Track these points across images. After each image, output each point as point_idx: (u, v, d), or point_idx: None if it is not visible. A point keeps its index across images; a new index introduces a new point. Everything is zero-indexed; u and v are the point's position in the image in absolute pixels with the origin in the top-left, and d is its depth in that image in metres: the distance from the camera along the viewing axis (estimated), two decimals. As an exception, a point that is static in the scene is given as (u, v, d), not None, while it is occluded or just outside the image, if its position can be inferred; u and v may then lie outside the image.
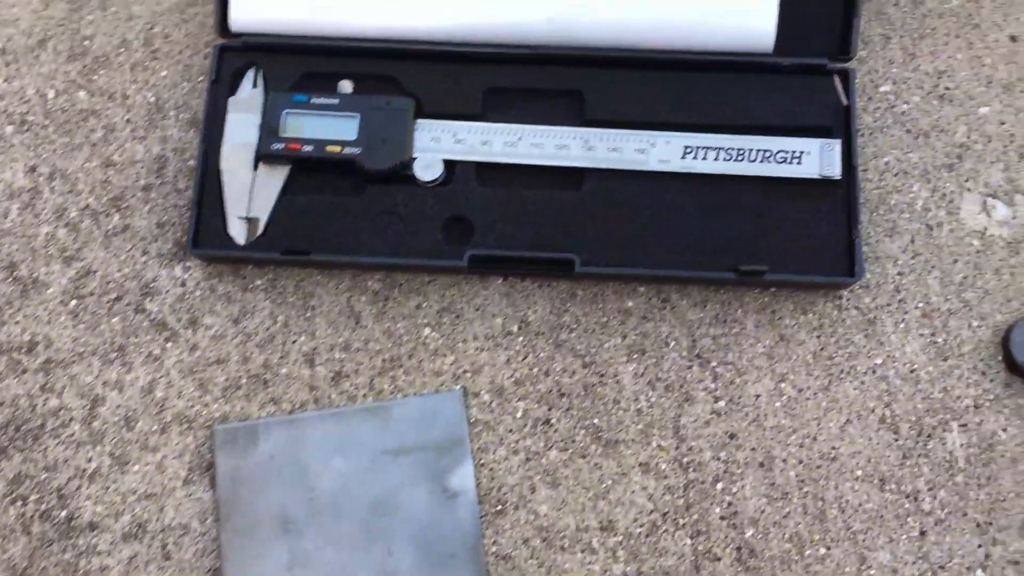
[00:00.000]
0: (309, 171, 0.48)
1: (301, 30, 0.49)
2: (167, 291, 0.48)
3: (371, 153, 0.47)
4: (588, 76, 0.49)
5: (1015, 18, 0.51)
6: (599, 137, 0.48)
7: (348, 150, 0.47)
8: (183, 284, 0.48)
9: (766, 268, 0.46)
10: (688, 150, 0.47)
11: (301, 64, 0.49)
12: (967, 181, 0.49)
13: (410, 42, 0.49)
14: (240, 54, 0.49)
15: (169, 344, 0.47)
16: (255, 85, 0.49)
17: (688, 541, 0.44)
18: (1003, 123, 0.50)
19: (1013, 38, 0.51)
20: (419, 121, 0.48)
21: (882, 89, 0.51)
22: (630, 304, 0.48)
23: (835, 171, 0.47)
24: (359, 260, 0.47)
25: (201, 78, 0.50)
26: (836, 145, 0.47)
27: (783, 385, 0.46)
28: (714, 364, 0.47)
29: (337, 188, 0.48)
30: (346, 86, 0.49)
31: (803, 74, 0.49)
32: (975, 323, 0.47)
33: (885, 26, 0.51)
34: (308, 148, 0.47)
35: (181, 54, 0.51)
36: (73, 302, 0.48)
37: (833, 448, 0.45)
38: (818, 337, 0.47)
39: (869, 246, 0.48)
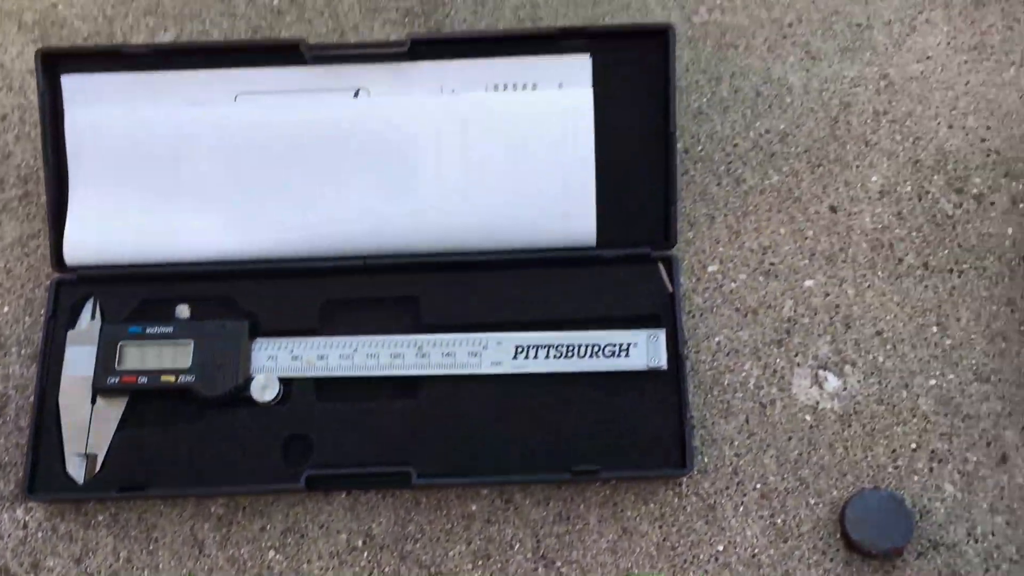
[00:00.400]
0: (147, 401, 0.49)
1: (135, 259, 0.51)
2: (9, 535, 0.49)
3: (206, 379, 0.49)
4: (422, 281, 0.52)
5: (834, 188, 0.54)
6: (432, 343, 0.50)
7: (183, 378, 0.49)
8: (25, 526, 0.49)
9: (599, 468, 0.48)
10: (519, 350, 0.50)
11: (138, 292, 0.52)
12: (797, 356, 0.51)
13: (244, 262, 0.51)
14: (77, 287, 0.51)
15: (11, 591, 0.48)
16: (93, 317, 0.51)
17: None
18: (828, 295, 0.52)
19: (833, 208, 0.54)
20: (257, 340, 0.50)
21: (710, 269, 0.53)
22: (473, 508, 0.49)
23: (661, 362, 0.49)
24: (196, 491, 0.48)
25: (43, 311, 0.52)
26: (661, 335, 0.49)
27: (628, 580, 0.48)
28: (559, 564, 0.48)
29: (175, 416, 0.49)
30: (183, 311, 0.51)
31: (628, 264, 0.51)
32: (812, 501, 0.49)
33: (710, 206, 0.54)
34: (143, 379, 0.49)
35: (23, 288, 0.53)
36: (-86, 554, 0.49)
37: (680, 643, 0.47)
38: (660, 527, 0.49)
39: (705, 429, 0.50)
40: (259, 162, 0.51)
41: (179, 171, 0.52)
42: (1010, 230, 0.53)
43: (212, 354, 0.49)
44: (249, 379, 0.49)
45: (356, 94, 0.51)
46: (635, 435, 0.49)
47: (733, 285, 0.53)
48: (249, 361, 0.49)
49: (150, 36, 0.58)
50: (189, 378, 0.49)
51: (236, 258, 0.52)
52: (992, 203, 0.53)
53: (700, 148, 0.55)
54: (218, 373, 0.49)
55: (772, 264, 0.53)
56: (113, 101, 0.52)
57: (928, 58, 0.56)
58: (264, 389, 0.49)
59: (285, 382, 0.50)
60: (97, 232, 0.52)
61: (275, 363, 0.50)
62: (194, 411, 0.49)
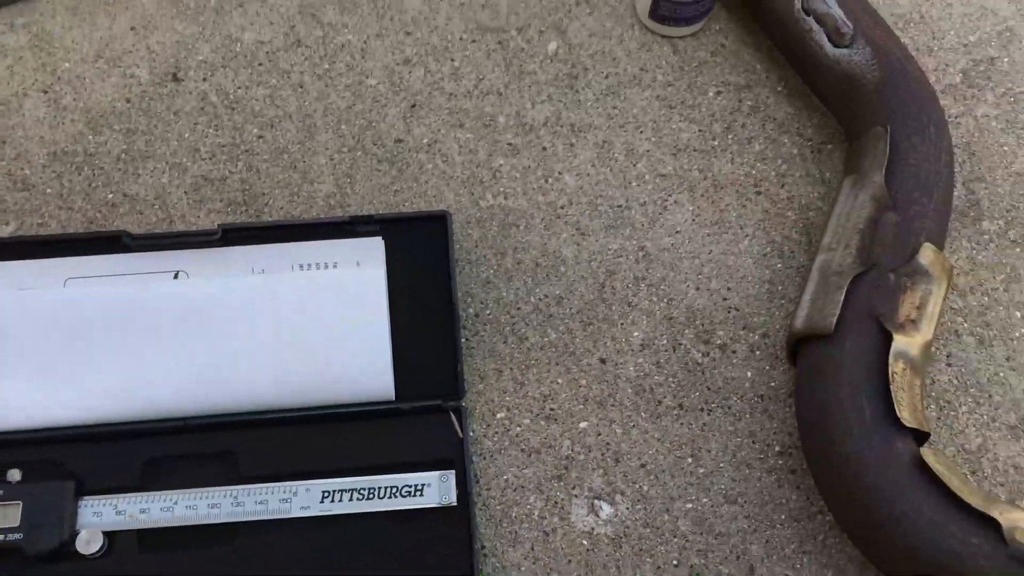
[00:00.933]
0: (-23, 561, 0.56)
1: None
2: None
3: (34, 537, 0.56)
4: (238, 438, 0.61)
5: (603, 343, 0.66)
6: (247, 493, 0.59)
7: (12, 536, 0.56)
8: None
9: (395, 598, 0.56)
10: (326, 494, 0.59)
11: (-29, 460, 0.59)
12: (574, 488, 0.62)
13: (72, 428, 0.60)
14: (-88, 458, 0.59)
15: None
16: (-72, 487, 0.58)
17: None
18: (599, 434, 0.64)
19: (602, 360, 0.66)
20: (83, 499, 0.58)
21: (498, 416, 0.64)
22: (285, 644, 0.57)
23: (452, 499, 0.59)
24: (17, 646, 0.55)
25: None
26: (451, 476, 0.59)
27: None
28: None
29: (6, 573, 0.56)
30: (14, 475, 0.58)
31: (424, 414, 0.62)
32: (588, 617, 0.58)
33: (497, 361, 0.66)
34: (-27, 540, 0.56)
35: None
36: None
37: None
38: (455, 650, 0.57)
39: (496, 556, 0.60)
40: (86, 338, 0.61)
41: (10, 348, 0.60)
42: (749, 374, 0.66)
43: (40, 513, 0.57)
44: (75, 534, 0.57)
45: (176, 276, 0.62)
46: (432, 567, 0.58)
47: (519, 429, 0.64)
48: (75, 518, 0.57)
49: (-8, 228, 0.67)
50: (17, 536, 0.56)
51: (64, 424, 0.60)
52: (734, 352, 0.66)
53: (488, 312, 0.67)
54: (45, 531, 0.56)
55: (552, 409, 0.64)
56: (-47, 287, 0.61)
57: (677, 232, 0.70)
58: (88, 543, 0.57)
59: (109, 535, 0.57)
60: (-67, 406, 0.59)
61: (100, 519, 0.57)
62: (24, 567, 0.56)
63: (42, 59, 0.73)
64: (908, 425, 0.56)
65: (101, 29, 0.74)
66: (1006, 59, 0.76)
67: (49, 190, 0.69)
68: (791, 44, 0.72)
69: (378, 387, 0.62)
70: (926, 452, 0.56)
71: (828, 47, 0.69)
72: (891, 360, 0.58)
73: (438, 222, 0.63)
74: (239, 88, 0.73)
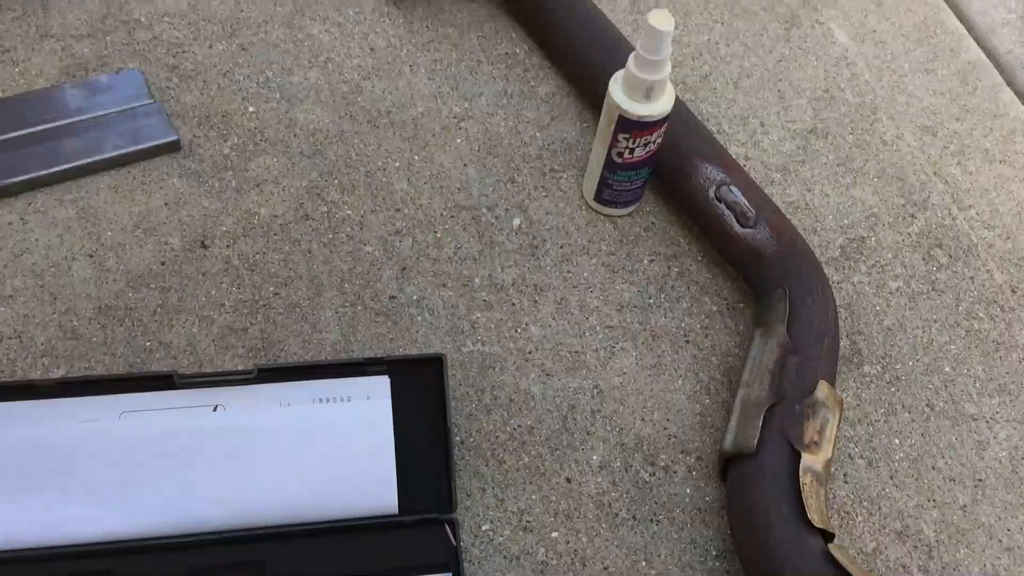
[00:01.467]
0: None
1: (33, 543, 0.66)
2: None
3: (93, 637, 0.63)
4: (266, 547, 0.68)
5: (568, 465, 0.77)
6: (276, 595, 0.66)
7: (71, 641, 0.62)
8: None
9: None
10: (342, 594, 0.67)
11: (31, 571, 0.65)
12: (549, 588, 0.71)
13: (123, 541, 0.67)
14: (-21, 568, 0.65)
15: None
16: (-10, 594, 0.64)
17: None
18: (568, 542, 0.73)
19: (568, 480, 0.76)
20: (129, 606, 0.65)
21: (483, 528, 0.73)
22: None
23: (450, 597, 0.68)
24: None
25: (-56, 592, 0.64)
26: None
27: None
28: None
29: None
30: (68, 587, 0.65)
31: (423, 526, 0.71)
32: None
33: (481, 481, 0.75)
34: (36, 640, 0.62)
35: (-73, 574, 0.66)
36: None
37: None
38: None
39: (486, 648, 0.68)
40: (137, 463, 0.68)
41: (72, 473, 0.68)
42: (688, 490, 0.77)
43: (96, 616, 0.63)
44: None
45: (215, 409, 0.71)
46: (432, 655, 0.66)
47: (501, 539, 0.73)
48: (128, 625, 0.64)
49: (45, 372, 0.75)
50: (76, 643, 0.62)
51: (116, 538, 0.67)
52: (675, 472, 0.78)
53: (472, 439, 0.77)
54: (102, 633, 0.63)
55: (528, 522, 0.74)
56: (22, 421, 0.68)
57: (624, 374, 0.82)
58: (138, 647, 0.63)
59: (153, 638, 0.64)
60: (2, 523, 0.66)
61: (147, 622, 0.64)
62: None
63: (88, 228, 0.83)
64: (817, 525, 0.68)
65: (139, 204, 0.85)
66: (873, 238, 0.93)
67: (95, 339, 0.78)
68: (707, 224, 0.87)
69: (384, 503, 0.71)
70: (832, 547, 0.67)
71: (736, 227, 0.84)
72: (801, 474, 0.70)
73: (434, 363, 0.74)
74: (257, 254, 0.84)
